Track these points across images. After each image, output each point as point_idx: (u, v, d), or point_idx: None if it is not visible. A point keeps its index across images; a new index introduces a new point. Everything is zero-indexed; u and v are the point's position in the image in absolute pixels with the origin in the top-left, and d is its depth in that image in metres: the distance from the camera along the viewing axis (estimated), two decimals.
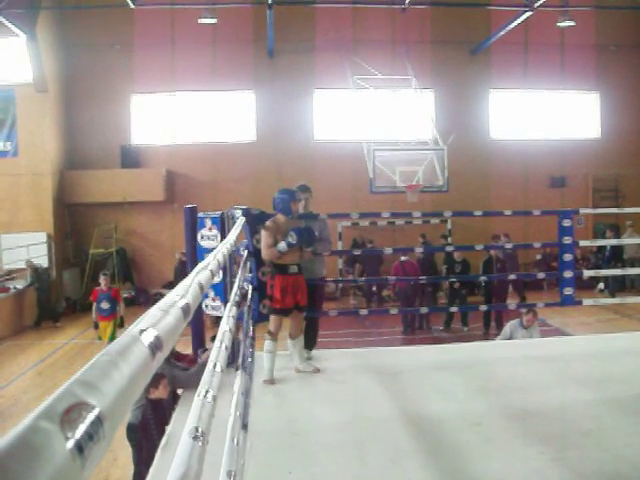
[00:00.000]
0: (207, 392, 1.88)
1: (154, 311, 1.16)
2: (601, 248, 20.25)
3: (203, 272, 1.92)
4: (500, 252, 15.59)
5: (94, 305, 13.13)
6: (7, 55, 20.22)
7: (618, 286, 19.40)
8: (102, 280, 13.32)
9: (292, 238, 6.32)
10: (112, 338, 12.46)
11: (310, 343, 7.21)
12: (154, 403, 5.99)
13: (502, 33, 20.02)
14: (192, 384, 5.71)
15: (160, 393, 5.92)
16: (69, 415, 0.61)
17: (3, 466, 0.49)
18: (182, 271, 18.90)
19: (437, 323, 16.15)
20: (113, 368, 0.77)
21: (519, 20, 18.81)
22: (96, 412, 0.65)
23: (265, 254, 6.52)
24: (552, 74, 22.87)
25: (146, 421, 5.99)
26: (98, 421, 0.65)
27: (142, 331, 0.97)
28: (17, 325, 17.60)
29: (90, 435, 0.62)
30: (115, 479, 7.73)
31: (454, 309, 12.63)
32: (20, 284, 19.10)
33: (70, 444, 0.58)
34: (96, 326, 13.35)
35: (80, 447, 0.59)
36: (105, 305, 13.02)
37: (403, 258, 15.47)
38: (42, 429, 0.56)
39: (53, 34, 20.77)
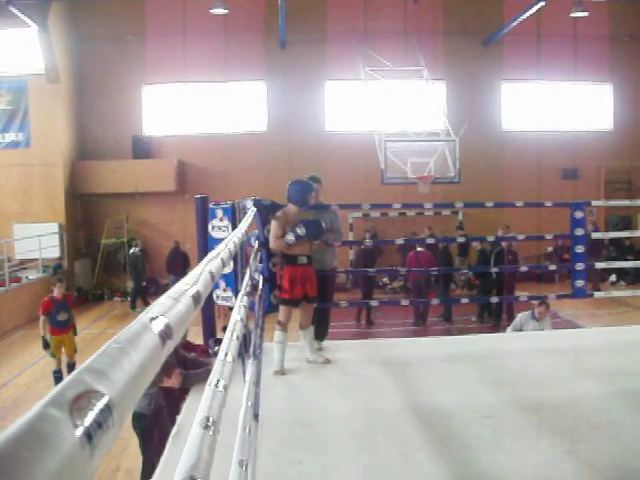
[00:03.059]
0: (218, 382, 1.87)
1: (164, 299, 1.16)
2: (612, 240, 20.20)
3: (214, 261, 1.91)
4: (510, 244, 15.56)
5: (43, 319, 11.24)
6: (19, 46, 20.28)
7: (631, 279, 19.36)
8: (57, 288, 11.46)
9: (300, 230, 6.30)
10: (75, 350, 11.48)
11: (321, 334, 7.20)
12: (165, 392, 6.00)
13: (514, 24, 19.89)
14: (199, 383, 5.73)
15: (172, 382, 5.93)
16: (78, 403, 0.60)
17: (13, 453, 0.48)
18: (174, 258, 19.07)
19: (457, 314, 16.17)
20: (123, 356, 0.76)
21: (532, 10, 18.69)
22: (105, 400, 0.65)
23: (273, 245, 6.51)
24: (565, 65, 22.74)
25: (157, 410, 6.00)
26: (107, 409, 0.64)
27: (152, 319, 0.96)
28: (29, 315, 17.67)
29: (99, 423, 0.61)
30: (126, 468, 7.77)
31: (465, 300, 12.56)
32: (32, 274, 19.22)
33: (79, 432, 0.57)
34: (46, 344, 11.26)
35: (89, 435, 0.58)
36: (63, 316, 11.34)
37: (419, 248, 15.45)
38: (51, 416, 0.56)
39: (65, 25, 20.80)
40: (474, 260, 17.27)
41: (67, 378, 0.65)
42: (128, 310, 18.59)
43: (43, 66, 19.78)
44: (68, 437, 0.55)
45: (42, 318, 11.25)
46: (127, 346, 0.80)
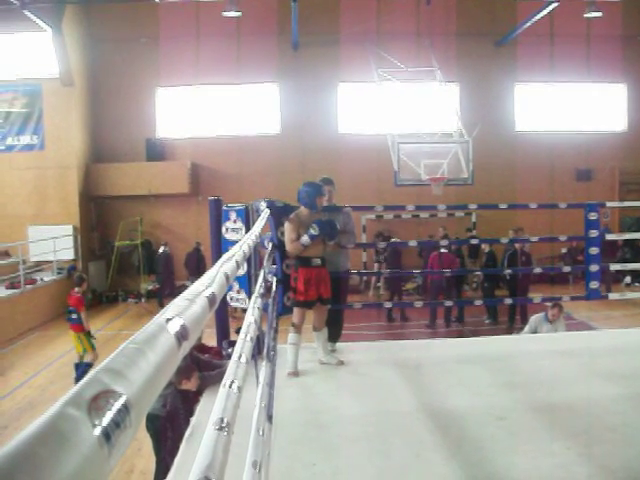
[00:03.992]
0: (232, 383, 1.88)
1: (180, 300, 1.16)
2: (627, 242, 20.09)
3: (229, 262, 1.92)
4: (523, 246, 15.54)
5: (85, 314, 11.90)
6: (34, 50, 20.42)
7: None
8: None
9: (314, 230, 6.32)
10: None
11: (334, 336, 7.20)
12: (182, 393, 6.03)
13: (528, 24, 19.85)
14: (213, 385, 5.75)
15: (191, 385, 5.95)
16: (96, 402, 0.61)
17: (33, 451, 0.49)
18: (193, 260, 19.24)
19: (470, 315, 16.20)
20: (140, 356, 0.77)
21: (545, 11, 18.64)
22: (123, 400, 0.65)
23: (289, 248, 6.52)
24: (578, 66, 22.65)
25: (171, 411, 6.02)
26: (125, 409, 0.65)
27: (168, 320, 0.97)
28: (44, 316, 17.79)
29: (117, 423, 0.62)
30: (140, 469, 7.80)
31: (479, 302, 12.53)
32: (47, 276, 19.33)
33: (97, 431, 0.58)
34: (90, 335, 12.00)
35: (107, 435, 0.59)
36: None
37: (443, 250, 15.44)
38: (70, 416, 0.56)
39: (79, 28, 20.92)
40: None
41: (85, 378, 0.66)
42: (150, 309, 18.72)
43: (57, 69, 19.90)
44: (87, 436, 0.56)
45: (85, 313, 11.81)
46: (144, 347, 0.80)
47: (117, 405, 0.64)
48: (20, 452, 0.48)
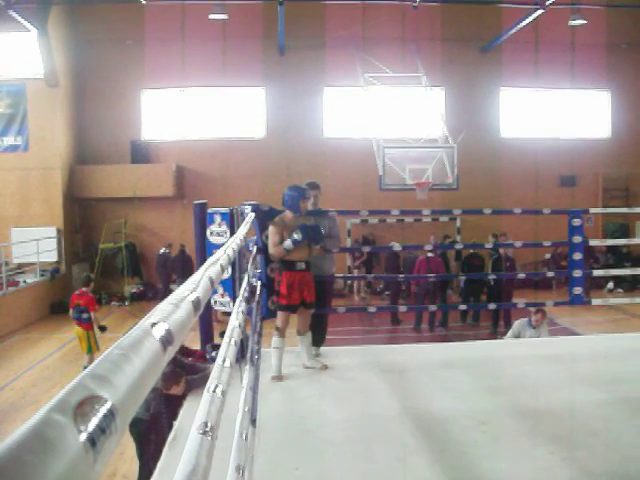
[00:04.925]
0: (216, 387, 1.88)
1: (165, 305, 1.16)
2: (610, 248, 20.24)
3: (213, 266, 1.92)
4: (509, 251, 15.64)
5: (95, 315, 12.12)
6: (18, 50, 20.29)
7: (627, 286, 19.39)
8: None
9: (297, 235, 6.33)
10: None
11: (318, 340, 7.20)
12: (165, 397, 6.01)
13: (513, 31, 19.97)
14: (196, 389, 5.74)
15: (179, 389, 5.94)
16: (82, 408, 0.60)
17: (18, 458, 0.49)
18: (178, 262, 19.31)
19: (452, 320, 16.30)
20: (125, 361, 0.77)
21: (530, 18, 18.76)
22: (108, 405, 0.65)
23: (272, 251, 6.52)
24: (563, 72, 22.81)
25: (157, 415, 6.00)
26: (110, 415, 0.65)
27: (153, 324, 0.97)
28: (27, 319, 17.67)
29: (102, 429, 0.62)
30: (123, 473, 7.76)
31: (463, 307, 12.57)
32: (30, 278, 19.20)
33: (83, 437, 0.58)
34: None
35: (93, 441, 0.59)
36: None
37: (429, 254, 15.50)
38: (55, 422, 0.56)
39: (64, 29, 20.83)
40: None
41: (70, 384, 0.65)
42: (133, 312, 18.68)
43: (42, 70, 19.79)
44: (72, 442, 0.56)
45: (97, 313, 12.29)
46: (129, 352, 0.80)
47: (102, 411, 0.64)
48: (5, 458, 0.48)
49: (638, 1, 22.02)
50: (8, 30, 19.37)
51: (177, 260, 19.48)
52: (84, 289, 12.23)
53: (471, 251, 16.48)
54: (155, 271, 20.71)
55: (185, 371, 6.16)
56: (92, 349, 11.92)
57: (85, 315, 11.92)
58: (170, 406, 5.97)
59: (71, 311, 12.23)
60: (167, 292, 18.85)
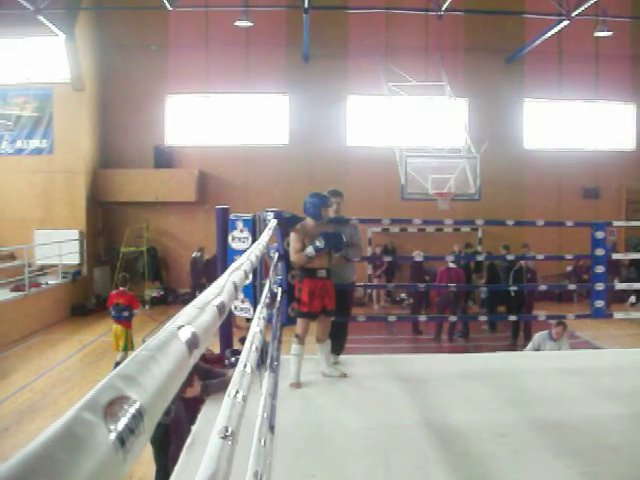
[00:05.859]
0: (237, 392, 1.88)
1: (190, 309, 1.17)
2: (632, 261, 20.06)
3: (237, 272, 1.93)
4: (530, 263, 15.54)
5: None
6: (46, 54, 20.53)
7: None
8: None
9: (320, 242, 6.32)
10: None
11: (338, 348, 7.19)
12: (184, 402, 6.02)
13: (537, 42, 19.89)
14: (215, 393, 5.74)
15: (194, 390, 5.94)
16: (111, 408, 0.61)
17: (51, 455, 0.50)
18: (195, 267, 19.46)
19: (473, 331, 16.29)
20: (153, 363, 0.78)
21: (555, 29, 18.68)
22: (137, 406, 0.66)
23: (293, 258, 6.52)
24: (587, 84, 22.67)
25: (177, 420, 6.01)
26: (139, 415, 0.65)
27: (180, 327, 0.98)
28: (48, 320, 17.81)
29: (131, 429, 0.62)
30: (139, 476, 7.78)
31: (483, 318, 12.52)
32: (52, 280, 19.36)
33: (112, 436, 0.58)
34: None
35: (122, 440, 0.59)
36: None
37: (451, 265, 15.43)
38: (86, 421, 0.57)
39: (91, 34, 21.03)
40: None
41: (100, 383, 0.66)
42: (154, 316, 18.80)
43: (69, 74, 20.00)
44: (103, 441, 0.56)
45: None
46: (156, 354, 0.81)
47: (131, 411, 0.64)
48: (39, 454, 0.49)
49: None
50: (36, 34, 19.63)
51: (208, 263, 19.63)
52: (122, 288, 12.68)
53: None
54: (186, 275, 20.91)
55: (204, 376, 6.17)
56: (127, 347, 12.25)
57: (126, 313, 12.37)
58: (189, 410, 5.99)
59: (111, 310, 12.58)
60: (195, 295, 19.04)
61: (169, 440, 6.13)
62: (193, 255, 20.30)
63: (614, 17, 19.84)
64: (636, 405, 5.76)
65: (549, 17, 18.66)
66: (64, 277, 19.75)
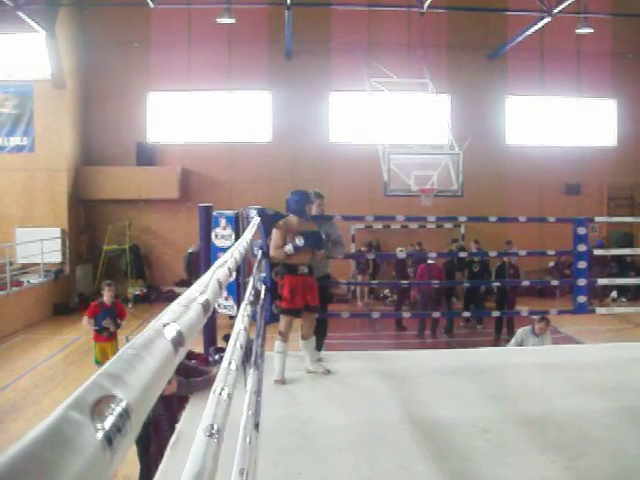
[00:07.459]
0: (222, 390, 1.88)
1: (175, 306, 1.17)
2: (614, 257, 20.21)
3: (221, 269, 1.92)
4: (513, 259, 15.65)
5: (86, 319, 10.82)
6: (26, 51, 20.35)
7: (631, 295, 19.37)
8: (106, 292, 10.92)
9: (299, 241, 6.33)
10: None
11: (318, 343, 7.19)
12: (164, 399, 5.99)
13: (520, 39, 19.97)
14: (199, 391, 5.73)
15: (172, 388, 5.91)
16: (99, 407, 0.61)
17: (38, 454, 0.49)
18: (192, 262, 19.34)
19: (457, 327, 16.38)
20: (139, 361, 0.78)
21: (537, 26, 18.76)
22: (124, 405, 0.66)
23: (273, 254, 6.53)
24: (569, 81, 22.80)
25: (158, 417, 5.99)
26: (126, 414, 0.65)
27: (165, 325, 0.97)
28: (29, 319, 17.69)
29: (118, 428, 0.62)
30: (123, 475, 7.74)
31: (467, 314, 12.57)
32: (34, 278, 19.22)
33: (100, 436, 0.58)
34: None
35: (109, 439, 0.59)
36: (108, 323, 10.75)
37: (430, 261, 15.46)
38: (73, 420, 0.57)
39: (72, 31, 20.88)
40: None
41: (86, 382, 0.66)
42: (136, 314, 18.65)
43: (50, 71, 19.84)
44: (90, 441, 0.56)
45: (85, 318, 10.88)
46: (142, 352, 0.81)
47: (118, 410, 0.64)
48: (26, 454, 0.49)
49: None
50: (16, 31, 19.44)
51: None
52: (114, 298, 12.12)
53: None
54: (169, 272, 20.98)
55: (189, 374, 6.15)
56: (98, 361, 11.78)
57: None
58: (171, 408, 5.96)
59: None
60: None
61: (152, 438, 6.10)
62: (190, 250, 20.11)
63: (595, 14, 19.96)
64: (619, 400, 5.81)
65: (531, 14, 18.74)
66: (46, 275, 19.61)
